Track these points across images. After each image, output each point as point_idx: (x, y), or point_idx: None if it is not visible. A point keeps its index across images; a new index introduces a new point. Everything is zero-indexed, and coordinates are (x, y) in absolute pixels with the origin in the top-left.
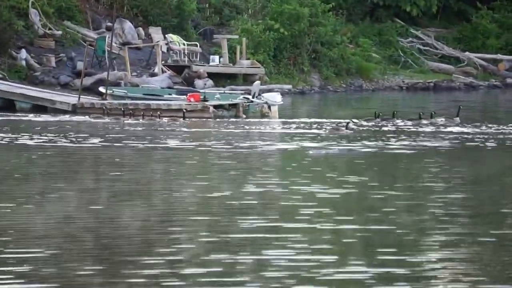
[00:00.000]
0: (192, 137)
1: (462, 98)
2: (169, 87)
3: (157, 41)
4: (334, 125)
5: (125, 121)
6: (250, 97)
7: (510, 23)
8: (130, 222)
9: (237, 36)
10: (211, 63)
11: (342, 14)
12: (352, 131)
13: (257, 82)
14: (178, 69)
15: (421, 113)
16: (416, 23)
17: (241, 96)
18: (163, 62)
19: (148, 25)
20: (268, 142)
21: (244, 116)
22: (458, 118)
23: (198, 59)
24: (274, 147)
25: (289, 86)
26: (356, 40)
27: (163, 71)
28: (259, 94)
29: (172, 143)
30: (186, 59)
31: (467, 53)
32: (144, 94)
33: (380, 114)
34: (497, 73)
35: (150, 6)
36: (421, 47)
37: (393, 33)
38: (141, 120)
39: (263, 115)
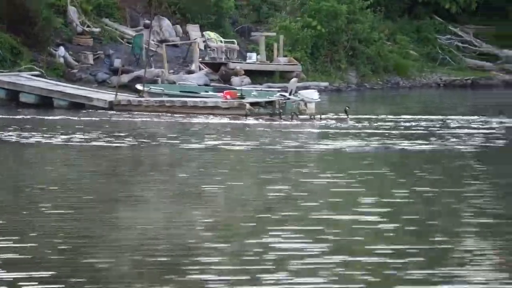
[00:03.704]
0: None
1: (503, 96)
2: (206, 85)
3: (195, 39)
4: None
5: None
6: (287, 94)
7: None
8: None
9: (274, 34)
10: (248, 61)
11: (380, 11)
12: None
13: (294, 80)
14: (215, 66)
15: None
16: (455, 20)
17: (278, 94)
18: (200, 59)
19: (186, 23)
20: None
21: (280, 112)
22: None
23: (235, 56)
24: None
25: (326, 84)
26: (394, 38)
27: (200, 69)
28: (296, 92)
29: None
30: (224, 56)
31: (506, 50)
32: (180, 91)
33: None
34: None
35: (188, 4)
36: (460, 44)
37: (432, 30)
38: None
39: (300, 113)
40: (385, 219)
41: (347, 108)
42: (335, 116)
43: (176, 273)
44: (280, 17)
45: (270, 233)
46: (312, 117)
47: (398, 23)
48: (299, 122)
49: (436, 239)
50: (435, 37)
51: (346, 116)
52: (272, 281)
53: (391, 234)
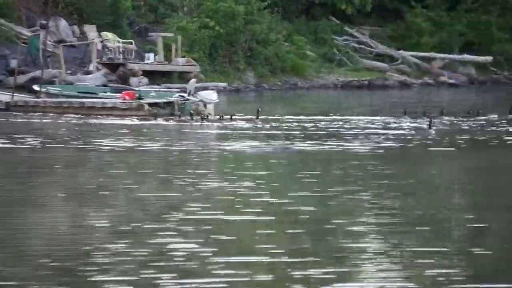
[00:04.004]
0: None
1: (399, 96)
2: (103, 85)
3: (92, 39)
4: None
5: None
6: (185, 95)
7: (444, 22)
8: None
9: (172, 34)
10: (146, 61)
11: (277, 12)
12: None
13: (193, 80)
14: (113, 67)
15: None
16: (351, 21)
17: (177, 94)
18: (98, 60)
19: (83, 23)
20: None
21: (180, 113)
22: None
23: (133, 57)
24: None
25: (224, 84)
26: (291, 38)
27: (98, 69)
28: (194, 92)
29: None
30: (121, 57)
31: (401, 51)
32: (78, 92)
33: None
34: (431, 71)
35: (85, 4)
36: (356, 45)
37: (328, 31)
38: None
39: (199, 114)
40: (281, 219)
41: (259, 109)
42: (244, 117)
43: (74, 275)
44: (177, 17)
45: (167, 233)
46: (220, 118)
47: (295, 24)
48: (208, 123)
49: (332, 238)
50: (332, 38)
51: (255, 117)
52: (169, 282)
53: (287, 235)
